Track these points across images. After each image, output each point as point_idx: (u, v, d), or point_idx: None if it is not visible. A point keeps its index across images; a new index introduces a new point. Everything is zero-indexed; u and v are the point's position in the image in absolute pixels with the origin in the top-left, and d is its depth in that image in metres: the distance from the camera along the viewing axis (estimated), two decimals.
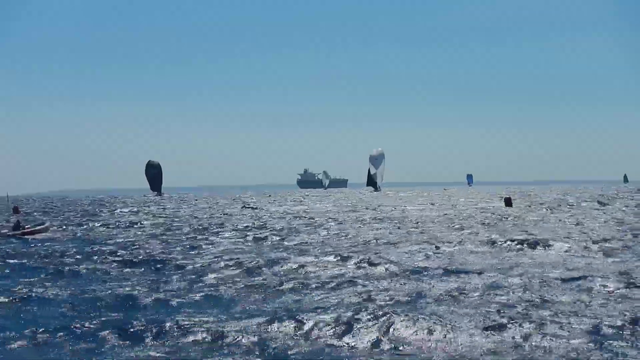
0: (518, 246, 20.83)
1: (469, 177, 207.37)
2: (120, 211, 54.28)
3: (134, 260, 19.71)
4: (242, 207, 56.71)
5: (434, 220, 35.66)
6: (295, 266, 17.52)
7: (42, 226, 33.18)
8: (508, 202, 51.92)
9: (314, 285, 14.50)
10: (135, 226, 35.50)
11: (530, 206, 50.27)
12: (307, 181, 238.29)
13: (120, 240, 27.03)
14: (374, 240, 24.15)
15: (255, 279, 15.79)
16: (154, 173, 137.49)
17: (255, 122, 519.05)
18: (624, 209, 43.48)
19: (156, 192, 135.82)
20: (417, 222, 33.83)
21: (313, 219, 38.26)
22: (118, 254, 21.39)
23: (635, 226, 28.02)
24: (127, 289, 14.73)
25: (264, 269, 17.26)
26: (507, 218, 35.41)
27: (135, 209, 57.03)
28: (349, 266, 17.49)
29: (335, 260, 18.54)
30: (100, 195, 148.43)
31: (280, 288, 14.35)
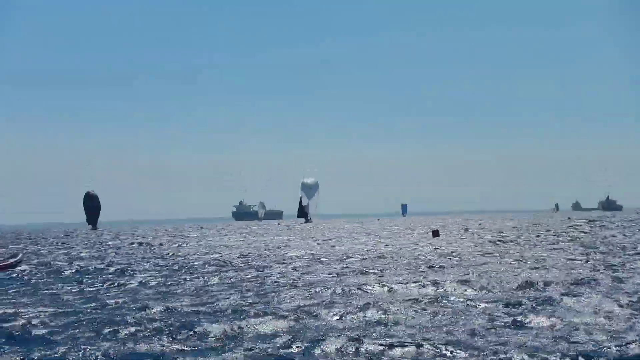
0: None
1: (404, 207, 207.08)
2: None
3: None
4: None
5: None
6: None
7: (15, 259, 30.05)
8: (436, 234, 50.69)
9: None
10: None
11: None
12: (243, 213, 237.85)
13: None
14: None
15: None
16: (91, 205, 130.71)
17: (187, 152, 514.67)
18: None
19: (91, 226, 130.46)
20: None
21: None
22: None
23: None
24: None
25: None
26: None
27: None
28: None
29: None
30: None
31: None
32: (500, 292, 15.93)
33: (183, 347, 10.69)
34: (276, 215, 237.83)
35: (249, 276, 21.57)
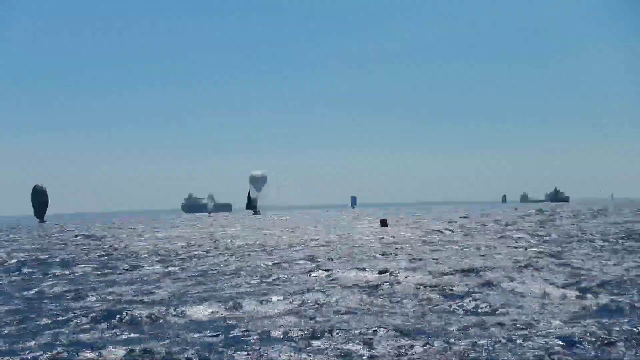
0: None
1: (353, 199, 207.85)
2: None
3: None
4: None
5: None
6: None
7: None
8: (384, 223, 50.65)
9: None
10: None
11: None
12: (192, 205, 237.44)
13: None
14: None
15: None
16: (39, 199, 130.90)
17: (138, 147, 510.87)
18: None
19: (39, 220, 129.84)
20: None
21: None
22: None
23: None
24: None
25: None
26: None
27: None
28: None
29: None
30: None
31: None
32: (442, 277, 15.92)
33: (120, 334, 10.49)
34: (225, 207, 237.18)
35: (192, 265, 21.37)
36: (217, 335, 10.14)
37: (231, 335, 10.08)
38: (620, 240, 26.52)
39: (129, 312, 12.12)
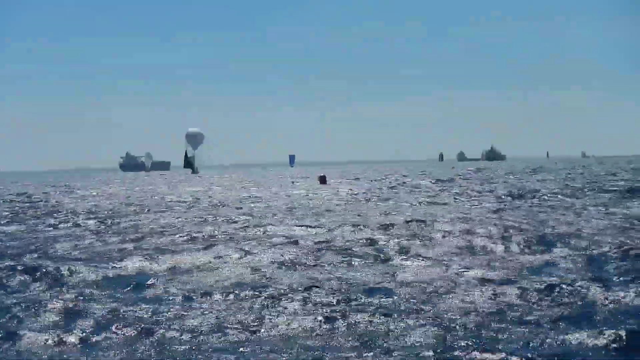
0: None
1: (291, 157, 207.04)
2: None
3: None
4: None
5: None
6: None
7: None
8: (323, 180, 50.64)
9: None
10: None
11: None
12: (129, 164, 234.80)
13: None
14: None
15: None
16: None
17: (76, 104, 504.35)
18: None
19: None
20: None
21: None
22: None
23: None
24: None
25: None
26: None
27: None
28: None
29: None
30: None
31: None
32: (378, 231, 15.84)
33: (46, 291, 10.15)
34: (164, 166, 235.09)
35: (125, 222, 20.98)
36: (145, 290, 9.91)
37: (161, 291, 9.85)
38: (560, 197, 26.75)
39: (56, 268, 11.76)
